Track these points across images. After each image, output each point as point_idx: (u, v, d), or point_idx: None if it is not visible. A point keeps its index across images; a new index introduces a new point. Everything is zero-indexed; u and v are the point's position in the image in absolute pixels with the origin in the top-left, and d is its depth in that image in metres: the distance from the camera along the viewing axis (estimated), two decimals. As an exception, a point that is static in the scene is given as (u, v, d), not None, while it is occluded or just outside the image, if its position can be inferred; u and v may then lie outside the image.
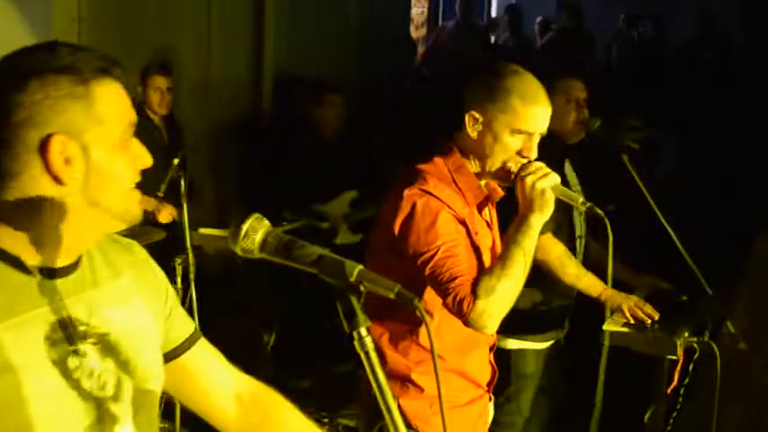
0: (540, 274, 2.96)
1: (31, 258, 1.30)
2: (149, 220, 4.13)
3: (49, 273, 1.32)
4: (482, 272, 2.12)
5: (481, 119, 2.20)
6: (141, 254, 1.54)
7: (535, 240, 2.12)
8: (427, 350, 2.25)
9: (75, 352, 1.32)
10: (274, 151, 5.17)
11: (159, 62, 4.75)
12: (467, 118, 2.22)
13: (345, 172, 5.10)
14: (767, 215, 4.26)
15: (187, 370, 1.57)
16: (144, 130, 4.93)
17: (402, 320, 2.26)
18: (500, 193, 2.36)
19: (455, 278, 2.08)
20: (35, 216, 1.28)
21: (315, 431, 1.64)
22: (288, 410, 1.64)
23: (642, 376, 3.15)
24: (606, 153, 3.34)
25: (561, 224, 3.19)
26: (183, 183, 3.58)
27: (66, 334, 1.31)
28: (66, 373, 1.30)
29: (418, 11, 9.68)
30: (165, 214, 4.20)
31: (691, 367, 2.90)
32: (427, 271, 2.12)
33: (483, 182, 2.29)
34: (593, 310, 3.12)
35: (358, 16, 6.81)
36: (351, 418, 4.00)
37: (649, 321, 2.93)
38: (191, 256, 3.48)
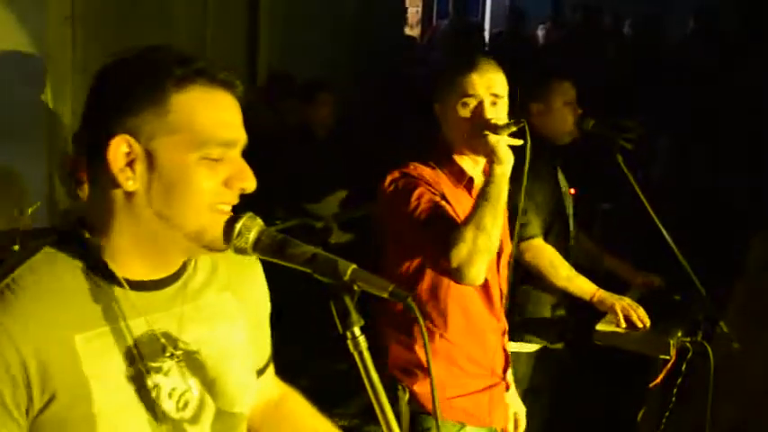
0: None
1: (122, 269, 1.27)
2: None
3: (139, 285, 1.28)
4: (452, 225, 2.19)
5: (440, 104, 2.35)
6: (254, 267, 1.49)
7: (502, 188, 2.17)
8: (436, 335, 2.32)
9: (158, 369, 1.28)
10: (267, 149, 5.17)
11: None
12: (436, 109, 2.37)
13: (336, 171, 5.11)
14: (762, 216, 4.27)
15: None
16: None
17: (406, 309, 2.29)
18: None
19: (430, 236, 2.17)
20: (115, 225, 1.26)
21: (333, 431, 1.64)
22: (309, 412, 1.66)
23: (635, 376, 3.16)
24: (600, 153, 3.34)
25: (552, 226, 3.19)
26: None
27: (150, 350, 1.28)
28: (143, 391, 1.27)
29: (413, 10, 9.68)
30: None
31: (684, 367, 2.91)
32: (413, 234, 2.22)
33: (474, 165, 2.38)
34: (587, 310, 3.13)
35: (353, 15, 6.81)
36: (346, 417, 4.00)
37: (641, 325, 2.94)
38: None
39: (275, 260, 1.28)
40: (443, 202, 2.24)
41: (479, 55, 2.39)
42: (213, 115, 1.26)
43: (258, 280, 1.51)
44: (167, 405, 1.29)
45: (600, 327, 2.98)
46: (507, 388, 2.51)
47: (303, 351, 4.40)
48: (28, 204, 3.81)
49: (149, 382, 1.27)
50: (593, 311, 3.07)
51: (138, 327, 1.28)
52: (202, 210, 1.25)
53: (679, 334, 2.93)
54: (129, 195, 1.24)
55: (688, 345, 2.91)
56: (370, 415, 1.26)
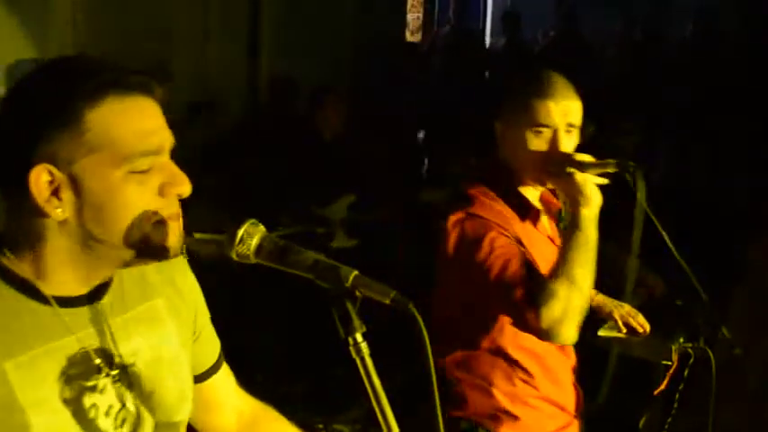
0: None
1: (48, 287, 1.22)
2: None
3: (69, 302, 1.24)
4: (539, 279, 2.00)
5: (505, 125, 2.18)
6: (180, 268, 1.45)
7: (591, 233, 2.01)
8: (515, 378, 2.18)
9: (93, 388, 1.24)
10: (272, 154, 5.17)
11: (159, 69, 4.73)
12: (498, 130, 2.19)
13: (343, 174, 5.11)
14: (762, 219, 4.26)
15: (203, 395, 1.51)
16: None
17: (480, 351, 2.19)
18: (557, 204, 2.29)
19: (514, 289, 1.97)
20: (41, 247, 1.21)
21: None
22: (284, 427, 1.63)
23: (637, 382, 3.15)
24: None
25: None
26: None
27: (84, 369, 1.24)
28: (80, 413, 1.22)
29: (414, 16, 9.68)
30: None
31: (686, 372, 2.90)
32: (487, 290, 2.02)
33: (536, 193, 2.22)
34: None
35: (354, 21, 6.82)
36: (345, 423, 3.99)
37: (641, 330, 2.92)
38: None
39: (277, 266, 1.28)
40: (520, 248, 2.05)
41: (554, 77, 2.17)
42: (132, 126, 1.19)
43: (189, 282, 1.46)
44: (105, 424, 1.25)
45: (602, 332, 2.97)
46: (579, 425, 2.39)
47: (304, 357, 4.40)
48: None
49: (86, 403, 1.23)
50: (594, 316, 3.06)
51: (70, 346, 1.23)
52: (143, 224, 1.21)
53: (681, 339, 2.92)
54: (61, 222, 1.19)
55: (690, 350, 2.90)
56: (372, 421, 1.26)
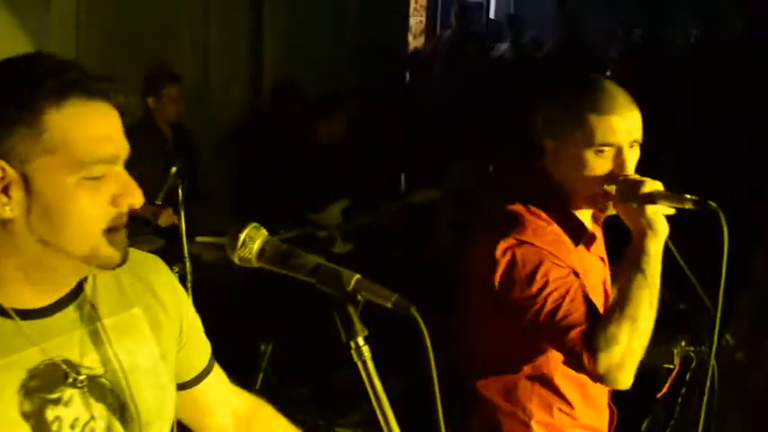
0: None
1: (7, 299, 1.18)
2: (150, 225, 4.15)
3: (30, 314, 1.20)
4: (597, 320, 1.84)
5: (559, 143, 1.94)
6: (163, 276, 1.42)
7: (657, 269, 1.86)
8: (554, 408, 2.02)
9: (57, 401, 1.20)
10: (270, 156, 5.19)
11: (168, 71, 4.73)
12: (547, 148, 1.97)
13: (338, 178, 5.14)
14: (766, 224, 4.26)
15: (195, 400, 1.50)
16: (151, 140, 4.92)
17: (520, 376, 2.04)
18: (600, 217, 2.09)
19: (569, 331, 1.81)
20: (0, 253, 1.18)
21: None
22: (281, 425, 1.62)
23: (639, 385, 3.14)
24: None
25: None
26: (180, 191, 3.58)
27: (48, 380, 1.19)
28: (41, 426, 1.18)
29: (416, 20, 9.69)
30: (165, 218, 4.20)
31: (688, 376, 2.90)
32: (538, 327, 1.86)
33: (588, 213, 2.03)
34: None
35: (356, 25, 6.83)
36: (348, 426, 3.99)
37: None
38: (188, 264, 3.48)
39: (279, 270, 1.28)
40: (577, 283, 1.87)
41: (613, 88, 1.95)
42: (91, 132, 1.17)
43: (171, 293, 1.42)
44: None
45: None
46: None
47: (305, 361, 4.40)
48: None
49: (49, 416, 1.19)
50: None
51: (31, 358, 1.19)
52: (90, 234, 1.18)
53: (683, 343, 2.92)
54: (6, 222, 1.16)
55: (692, 354, 2.90)
56: (373, 425, 1.26)
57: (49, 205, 1.16)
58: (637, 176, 1.91)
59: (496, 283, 1.89)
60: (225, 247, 1.31)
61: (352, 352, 1.21)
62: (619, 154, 1.91)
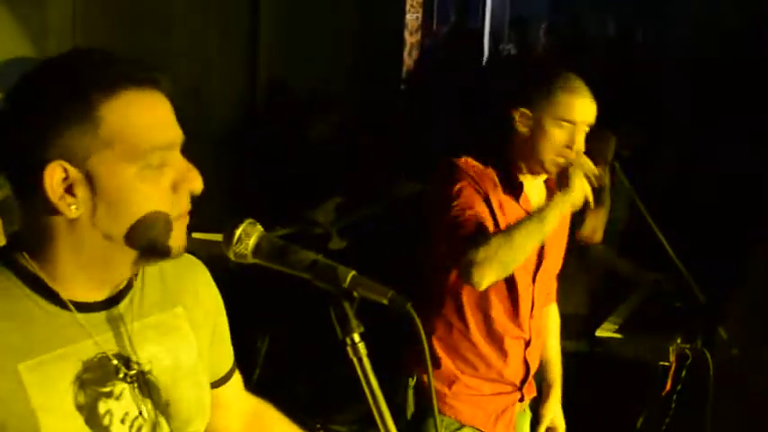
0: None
1: (65, 291, 1.20)
2: None
3: (86, 307, 1.22)
4: (484, 229, 2.16)
5: (530, 113, 2.27)
6: (202, 276, 1.43)
7: (550, 217, 2.13)
8: (452, 330, 2.32)
9: (109, 394, 1.22)
10: (266, 157, 5.20)
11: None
12: (516, 115, 2.29)
13: (330, 175, 5.16)
14: (764, 223, 4.27)
15: (214, 400, 1.47)
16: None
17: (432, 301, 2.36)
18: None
19: (459, 230, 2.13)
20: (54, 248, 1.19)
21: None
22: (285, 427, 1.62)
23: (635, 382, 3.15)
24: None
25: None
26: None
27: (101, 373, 1.22)
28: (93, 419, 1.20)
29: (412, 16, 9.68)
30: None
31: (683, 373, 2.91)
32: (442, 228, 2.19)
33: (534, 182, 2.35)
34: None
35: (353, 24, 6.83)
36: (343, 424, 3.99)
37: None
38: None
39: (275, 266, 1.27)
40: (482, 204, 2.22)
41: (578, 79, 2.31)
42: (146, 120, 1.17)
43: (209, 291, 1.44)
44: (121, 430, 1.23)
45: (599, 333, 2.98)
46: (522, 399, 2.46)
47: (300, 358, 4.40)
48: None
49: (101, 409, 1.21)
50: (594, 319, 3.07)
51: (87, 350, 1.21)
52: (156, 222, 1.18)
53: (678, 340, 2.93)
54: (72, 221, 1.16)
55: (687, 351, 2.91)
56: (369, 422, 1.26)
57: (113, 199, 1.16)
58: (586, 159, 2.23)
59: (428, 195, 2.31)
60: (221, 244, 1.31)
61: (348, 348, 1.21)
62: (574, 131, 2.24)
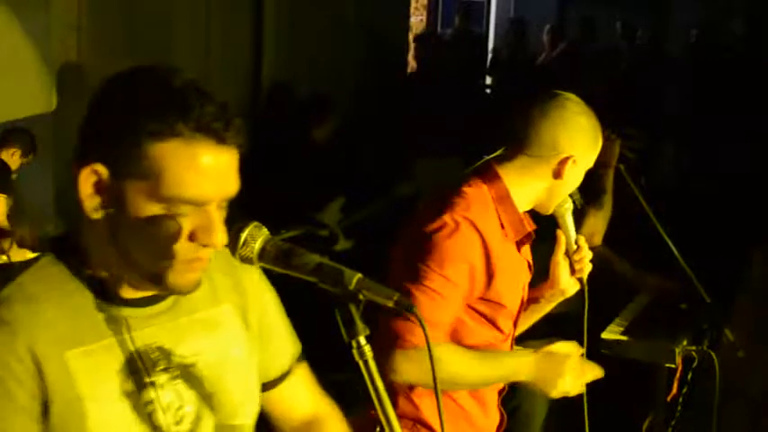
0: None
1: (115, 287, 1.26)
2: None
3: (132, 302, 1.27)
4: (456, 347, 1.99)
5: (576, 158, 2.06)
6: (252, 275, 1.44)
7: (508, 381, 2.09)
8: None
9: (153, 384, 1.27)
10: (270, 158, 5.20)
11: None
12: (568, 163, 2.05)
13: (335, 176, 5.17)
14: (764, 223, 4.26)
15: (272, 401, 1.51)
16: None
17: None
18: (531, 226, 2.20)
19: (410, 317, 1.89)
20: (98, 247, 1.25)
21: None
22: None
23: (640, 385, 3.15)
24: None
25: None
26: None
27: (145, 365, 1.26)
28: (138, 407, 1.25)
29: (417, 19, 9.69)
30: None
31: (689, 375, 2.90)
32: (405, 279, 1.96)
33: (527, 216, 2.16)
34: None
35: (356, 25, 6.83)
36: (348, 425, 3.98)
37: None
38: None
39: (280, 270, 1.28)
40: (462, 293, 1.98)
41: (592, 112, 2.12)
42: (183, 173, 1.18)
43: (258, 288, 1.47)
44: (163, 420, 1.27)
45: (605, 335, 2.97)
46: None
47: (307, 360, 4.40)
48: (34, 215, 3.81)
49: (145, 398, 1.26)
50: (597, 319, 3.06)
51: (132, 342, 1.26)
52: (162, 260, 1.22)
53: (684, 342, 2.92)
54: (102, 225, 1.22)
55: (693, 353, 2.90)
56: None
57: (130, 223, 1.20)
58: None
59: (413, 242, 1.99)
60: (226, 247, 1.31)
61: (354, 351, 1.21)
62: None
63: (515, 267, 2.10)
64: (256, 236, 1.27)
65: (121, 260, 1.24)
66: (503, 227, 2.06)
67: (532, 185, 2.09)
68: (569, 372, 2.00)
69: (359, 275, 1.22)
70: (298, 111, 5.55)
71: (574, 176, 2.09)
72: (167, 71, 1.23)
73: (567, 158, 2.05)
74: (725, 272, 3.40)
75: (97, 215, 1.21)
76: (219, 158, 1.21)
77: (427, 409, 2.09)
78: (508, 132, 2.11)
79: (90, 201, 1.21)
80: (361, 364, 1.22)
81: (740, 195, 5.79)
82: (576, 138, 2.06)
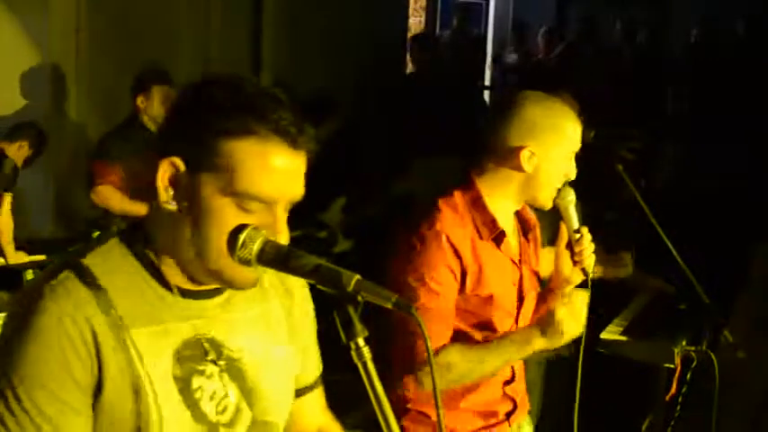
0: None
1: (175, 277, 1.33)
2: None
3: (188, 293, 1.33)
4: (461, 345, 2.04)
5: (538, 152, 2.07)
6: (299, 281, 1.49)
7: (525, 355, 2.08)
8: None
9: (202, 372, 1.33)
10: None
11: (159, 71, 4.70)
12: (522, 155, 2.07)
13: (334, 177, 5.18)
14: (764, 223, 4.26)
15: (293, 410, 1.54)
16: (139, 139, 4.86)
17: None
18: (534, 224, 2.28)
19: (417, 340, 1.98)
20: (163, 238, 1.32)
21: None
22: None
23: (639, 385, 3.15)
24: (602, 163, 3.35)
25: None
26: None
27: (195, 353, 1.33)
28: (186, 391, 1.31)
29: (416, 20, 9.69)
30: None
31: (688, 376, 2.90)
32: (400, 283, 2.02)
33: (509, 213, 2.19)
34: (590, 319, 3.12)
35: (355, 25, 6.83)
36: (347, 427, 3.99)
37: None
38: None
39: (279, 271, 1.28)
40: (449, 299, 2.04)
41: (575, 104, 2.16)
42: (256, 172, 1.26)
43: (304, 295, 1.52)
44: (207, 407, 1.33)
45: (604, 335, 2.98)
46: (510, 424, 2.30)
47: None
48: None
49: (194, 383, 1.32)
50: (597, 320, 3.06)
51: (186, 330, 1.32)
52: (224, 253, 1.27)
53: (683, 342, 2.92)
54: (167, 213, 1.29)
55: (692, 353, 2.90)
56: (373, 426, 1.26)
57: (200, 216, 1.27)
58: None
59: (394, 255, 2.08)
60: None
61: (353, 353, 1.22)
62: (573, 158, 2.12)
63: (498, 263, 2.14)
64: (255, 237, 1.27)
65: (187, 251, 1.29)
66: (477, 229, 2.11)
67: (504, 187, 2.14)
68: (565, 317, 2.01)
69: (357, 277, 1.22)
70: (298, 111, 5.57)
71: (545, 166, 2.09)
72: (242, 79, 1.31)
73: (519, 150, 2.07)
74: (724, 271, 3.40)
75: (170, 206, 1.28)
76: (291, 161, 1.28)
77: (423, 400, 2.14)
78: (480, 139, 2.19)
79: (165, 192, 1.28)
80: (359, 365, 1.22)
81: (740, 195, 5.80)
82: (524, 128, 2.08)
